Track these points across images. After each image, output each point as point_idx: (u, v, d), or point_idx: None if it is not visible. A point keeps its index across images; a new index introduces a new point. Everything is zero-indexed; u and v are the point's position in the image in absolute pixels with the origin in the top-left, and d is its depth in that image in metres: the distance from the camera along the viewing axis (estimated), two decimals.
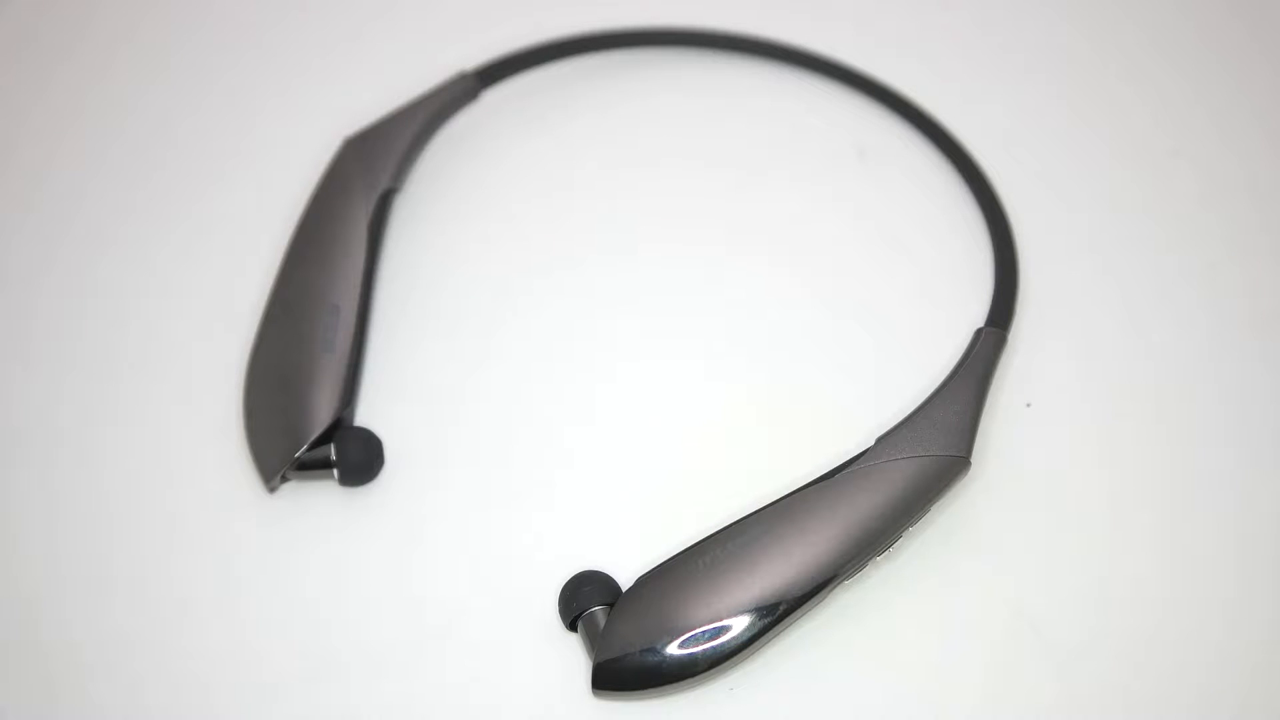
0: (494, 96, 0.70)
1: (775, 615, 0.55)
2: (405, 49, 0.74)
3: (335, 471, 0.60)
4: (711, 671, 0.55)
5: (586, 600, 0.57)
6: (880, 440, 0.58)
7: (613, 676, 0.55)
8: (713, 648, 0.55)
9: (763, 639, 0.55)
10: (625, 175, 0.70)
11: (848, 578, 0.56)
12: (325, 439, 0.60)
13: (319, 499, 0.61)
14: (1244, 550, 0.60)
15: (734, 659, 0.55)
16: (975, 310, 0.65)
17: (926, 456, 0.58)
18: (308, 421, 0.60)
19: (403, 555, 0.59)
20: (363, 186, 0.65)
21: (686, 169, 0.70)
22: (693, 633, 0.55)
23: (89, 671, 0.57)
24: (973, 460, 0.58)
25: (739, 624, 0.55)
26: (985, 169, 0.69)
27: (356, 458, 0.60)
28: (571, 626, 0.57)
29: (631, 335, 0.65)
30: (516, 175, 0.70)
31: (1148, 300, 0.67)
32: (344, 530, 0.60)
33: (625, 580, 0.57)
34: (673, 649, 0.55)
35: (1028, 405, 0.63)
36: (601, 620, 0.56)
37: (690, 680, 0.55)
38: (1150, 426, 0.63)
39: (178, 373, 0.63)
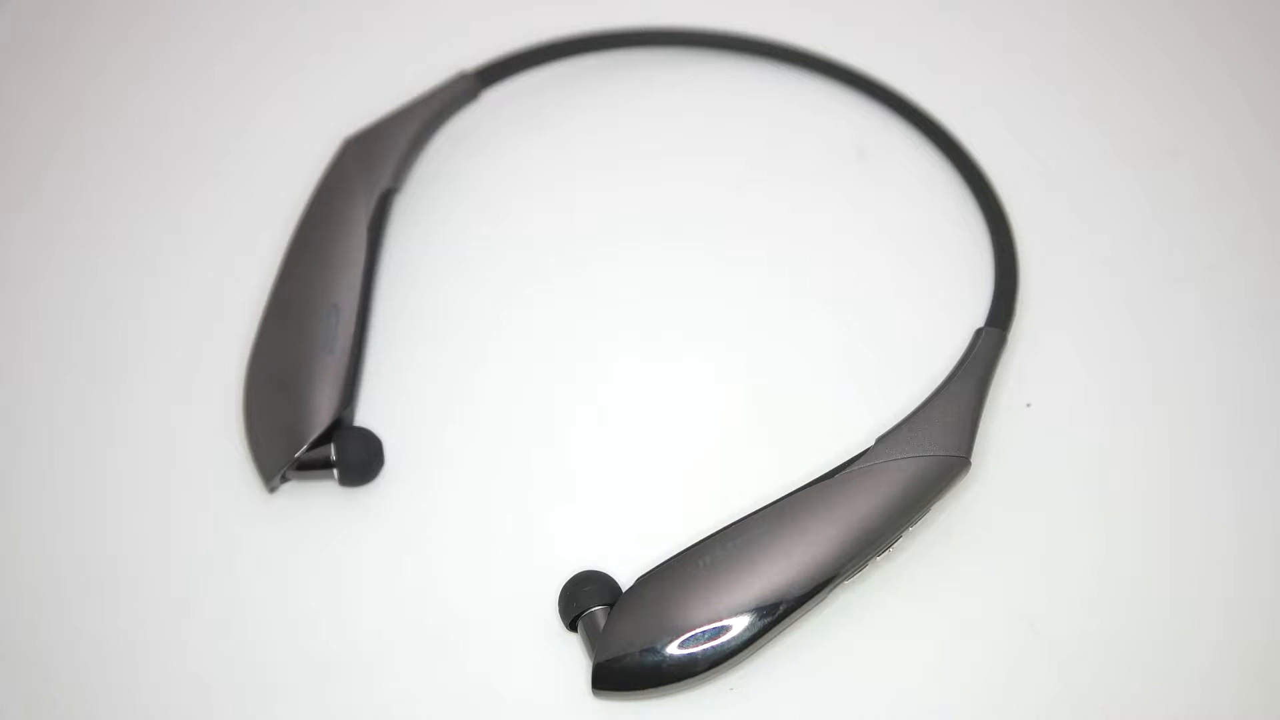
0: (494, 96, 0.70)
1: (775, 615, 0.55)
2: (405, 49, 0.73)
3: (335, 471, 0.60)
4: (711, 671, 0.55)
5: (586, 600, 0.57)
6: (880, 440, 0.58)
7: (613, 676, 0.55)
8: (713, 648, 0.55)
9: (763, 639, 0.55)
10: (625, 175, 0.70)
11: (848, 578, 0.56)
12: (325, 439, 0.60)
13: (319, 499, 0.61)
14: (1244, 550, 0.60)
15: (734, 659, 0.55)
16: (975, 310, 0.65)
17: (926, 456, 0.58)
18: (308, 421, 0.60)
19: (402, 555, 0.59)
20: (363, 186, 0.65)
21: (686, 169, 0.70)
22: (693, 633, 0.55)
23: (89, 671, 0.57)
24: (973, 460, 0.58)
25: (739, 624, 0.55)
26: (985, 169, 0.69)
27: (356, 458, 0.60)
28: (571, 626, 0.57)
29: (631, 335, 0.65)
30: (516, 175, 0.70)
31: (1148, 300, 0.67)
32: (344, 530, 0.60)
33: (625, 580, 0.57)
34: (673, 649, 0.55)
35: (1028, 405, 0.63)
36: (601, 620, 0.56)
37: (690, 680, 0.55)
38: (1150, 426, 0.63)
39: (178, 373, 0.63)
